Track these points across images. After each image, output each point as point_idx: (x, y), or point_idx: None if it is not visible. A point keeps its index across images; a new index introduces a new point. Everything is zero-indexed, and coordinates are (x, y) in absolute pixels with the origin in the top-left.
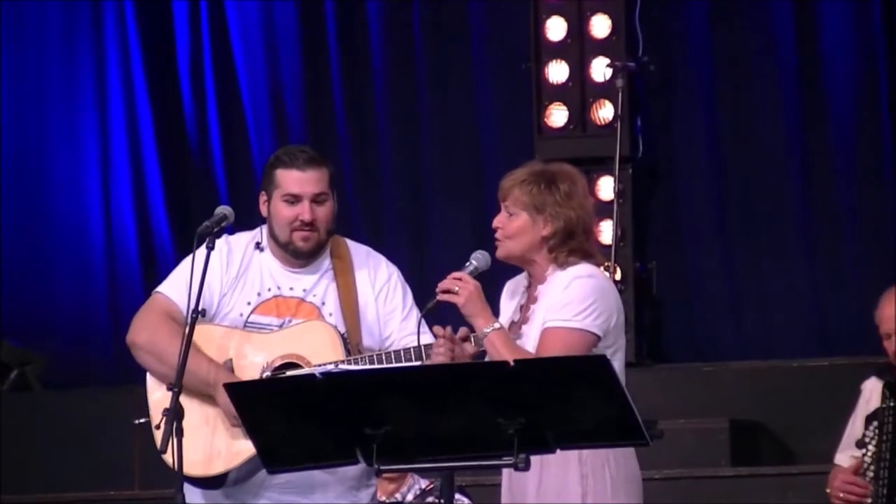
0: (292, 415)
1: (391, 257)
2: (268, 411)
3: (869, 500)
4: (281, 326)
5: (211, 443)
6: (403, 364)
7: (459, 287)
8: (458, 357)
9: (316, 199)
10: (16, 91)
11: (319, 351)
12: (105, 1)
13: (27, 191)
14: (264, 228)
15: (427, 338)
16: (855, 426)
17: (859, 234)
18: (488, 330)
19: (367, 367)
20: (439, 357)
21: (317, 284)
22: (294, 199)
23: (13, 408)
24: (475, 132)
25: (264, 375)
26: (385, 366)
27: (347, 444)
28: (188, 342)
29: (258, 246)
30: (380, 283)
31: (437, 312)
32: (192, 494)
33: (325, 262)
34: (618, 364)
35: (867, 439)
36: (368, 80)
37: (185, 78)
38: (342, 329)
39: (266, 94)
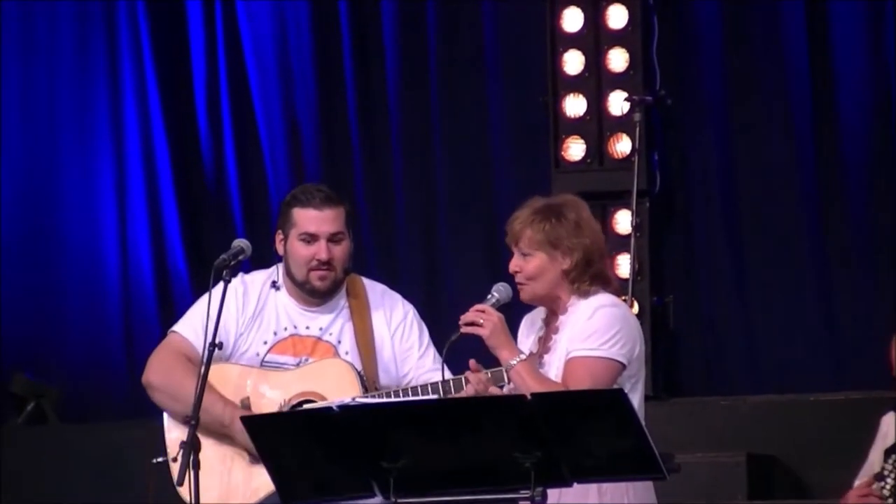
0: (309, 448)
1: (406, 291)
2: (285, 444)
3: None
4: (297, 365)
5: (228, 481)
6: (419, 397)
7: (483, 319)
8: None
9: (332, 239)
10: (29, 121)
11: (337, 388)
12: (120, 29)
13: (42, 222)
14: (280, 267)
15: (448, 373)
16: (873, 459)
17: (875, 268)
18: (514, 361)
19: (384, 400)
20: (471, 389)
21: (333, 323)
22: (311, 238)
23: (29, 440)
24: (492, 166)
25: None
26: (402, 399)
27: (364, 478)
28: (205, 373)
29: (274, 285)
30: (396, 322)
31: (457, 345)
32: None
33: (342, 301)
34: (638, 395)
35: (886, 472)
36: (384, 113)
37: (201, 108)
38: (359, 367)
39: (282, 126)
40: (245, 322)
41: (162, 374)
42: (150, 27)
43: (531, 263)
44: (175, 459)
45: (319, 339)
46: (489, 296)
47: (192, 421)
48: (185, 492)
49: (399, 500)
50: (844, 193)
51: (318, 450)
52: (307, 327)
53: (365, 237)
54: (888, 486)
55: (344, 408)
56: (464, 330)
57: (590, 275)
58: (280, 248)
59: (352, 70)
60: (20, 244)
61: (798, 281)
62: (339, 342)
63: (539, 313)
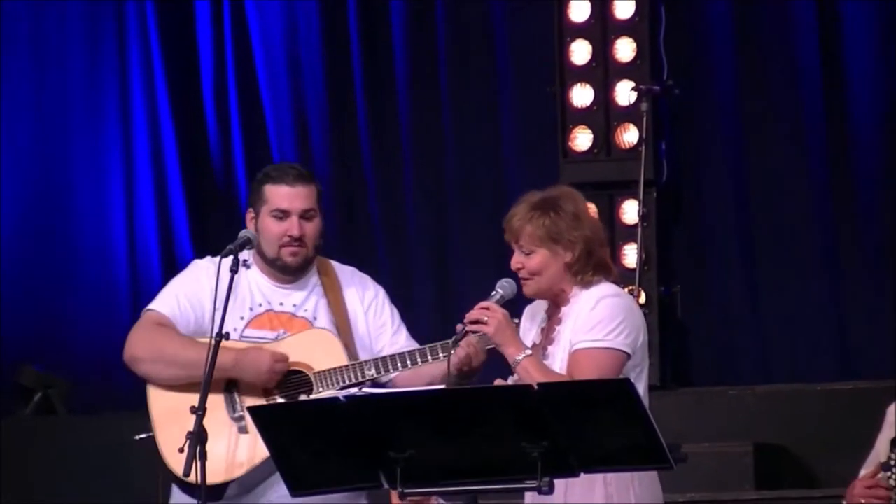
0: (316, 438)
1: (416, 281)
2: (292, 435)
3: None
4: (276, 339)
5: (215, 451)
6: (427, 388)
7: (488, 317)
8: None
9: (304, 215)
10: (40, 118)
11: (323, 358)
12: (129, 28)
13: (51, 216)
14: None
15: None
16: (879, 448)
17: (883, 258)
18: (520, 357)
19: (391, 391)
20: (462, 351)
21: (307, 300)
22: (283, 215)
23: (37, 432)
24: (500, 156)
25: None
26: (408, 389)
27: (371, 468)
28: (212, 364)
29: (245, 263)
30: (368, 299)
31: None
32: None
33: (314, 278)
34: (642, 384)
35: (892, 462)
36: (393, 106)
37: (209, 102)
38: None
39: (290, 119)
40: (220, 298)
41: (146, 344)
42: (158, 21)
43: (534, 260)
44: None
45: (294, 314)
46: (493, 292)
47: (199, 412)
48: (175, 464)
49: (406, 490)
50: (853, 182)
51: (324, 440)
52: (281, 304)
53: (375, 228)
54: (894, 477)
55: (351, 398)
56: (469, 328)
57: (592, 265)
58: (251, 226)
59: (360, 63)
60: (30, 237)
61: (806, 270)
62: (315, 318)
63: (541, 304)
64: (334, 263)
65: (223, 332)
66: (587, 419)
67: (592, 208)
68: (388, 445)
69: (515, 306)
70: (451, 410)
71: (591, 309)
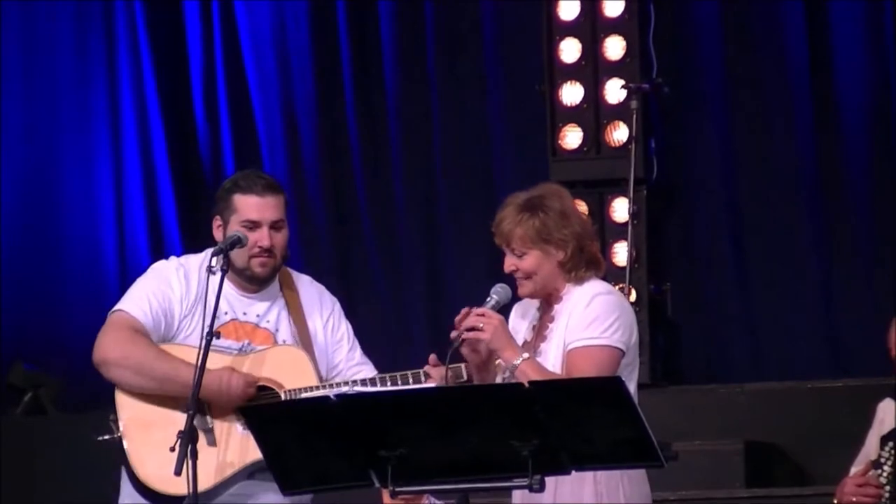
0: (307, 437)
1: (407, 281)
2: (282, 434)
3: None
4: (241, 349)
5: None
6: (418, 387)
7: (484, 323)
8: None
9: (274, 226)
10: (28, 112)
11: (293, 376)
12: (117, 22)
13: (40, 213)
14: (210, 252)
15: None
16: (869, 446)
17: (874, 256)
18: (518, 362)
19: (382, 389)
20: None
21: (269, 311)
22: (253, 226)
23: (27, 431)
24: (489, 154)
25: None
26: (400, 388)
27: (362, 467)
28: (203, 363)
29: (209, 269)
30: (326, 313)
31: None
32: None
33: (275, 288)
34: (633, 383)
35: (883, 460)
36: (382, 103)
37: (198, 98)
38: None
39: (279, 115)
40: (189, 304)
41: (119, 349)
42: (146, 16)
43: (527, 261)
44: (172, 449)
45: (257, 325)
46: (488, 298)
47: (190, 411)
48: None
49: (397, 489)
50: (844, 180)
51: (315, 439)
52: (245, 313)
53: (365, 229)
54: (885, 474)
55: (341, 397)
56: (465, 336)
57: (584, 260)
58: (218, 235)
59: (349, 60)
60: (19, 234)
61: (797, 268)
62: (277, 330)
63: (532, 302)
64: (293, 273)
65: (217, 332)
66: (578, 417)
67: (581, 205)
68: (379, 444)
69: (507, 311)
70: (443, 409)
71: (585, 306)
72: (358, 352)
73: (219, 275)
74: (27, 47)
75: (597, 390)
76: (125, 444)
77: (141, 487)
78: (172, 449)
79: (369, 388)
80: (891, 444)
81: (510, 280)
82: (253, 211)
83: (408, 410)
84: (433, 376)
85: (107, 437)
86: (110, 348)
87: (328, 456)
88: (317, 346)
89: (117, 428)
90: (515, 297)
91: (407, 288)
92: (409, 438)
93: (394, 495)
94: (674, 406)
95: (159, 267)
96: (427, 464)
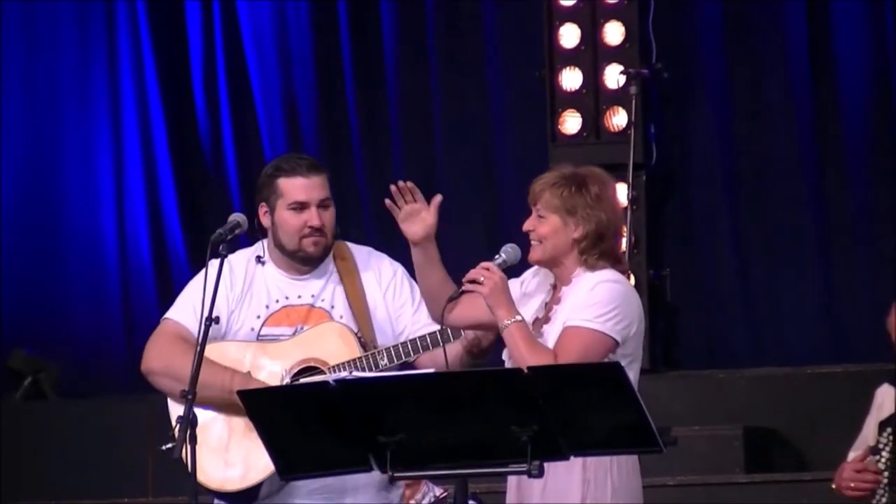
0: (306, 422)
1: (406, 266)
2: (281, 419)
3: (880, 491)
4: (294, 335)
5: (243, 455)
6: (417, 371)
7: (485, 277)
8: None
9: (321, 205)
10: (29, 101)
11: (336, 351)
12: (118, 10)
13: (41, 200)
14: (263, 242)
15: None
16: (867, 431)
17: (873, 241)
18: (509, 322)
19: (381, 374)
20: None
21: (324, 289)
22: (301, 207)
23: (27, 416)
24: (489, 140)
25: (284, 382)
26: (399, 373)
27: (361, 452)
28: (202, 347)
29: (259, 260)
30: (386, 281)
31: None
32: None
33: (330, 265)
34: (633, 374)
35: (881, 445)
36: (382, 88)
37: (198, 87)
38: (354, 329)
39: (280, 103)
40: (235, 299)
41: (162, 358)
42: (147, 7)
43: (544, 225)
44: (173, 436)
45: (312, 306)
46: (497, 255)
47: (189, 395)
48: (198, 472)
49: (396, 474)
50: (844, 165)
51: (314, 424)
52: (299, 296)
53: (364, 215)
54: (883, 459)
55: (340, 382)
56: (465, 287)
57: (599, 249)
58: (266, 221)
59: (349, 47)
60: (20, 222)
61: (796, 253)
62: (333, 307)
63: (549, 276)
64: (350, 245)
65: (215, 316)
66: (577, 403)
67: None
68: (378, 429)
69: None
70: (442, 394)
71: (589, 290)
72: (424, 313)
73: (261, 268)
74: (28, 35)
75: (596, 376)
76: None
77: (218, 494)
78: (173, 436)
79: (368, 374)
80: (889, 429)
81: (521, 243)
82: (300, 192)
83: (406, 395)
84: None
85: (169, 445)
86: (154, 358)
87: (327, 441)
88: (377, 316)
89: (175, 436)
90: (525, 262)
91: (406, 269)
92: (408, 423)
93: (393, 481)
94: (673, 391)
95: (213, 263)
96: (426, 449)
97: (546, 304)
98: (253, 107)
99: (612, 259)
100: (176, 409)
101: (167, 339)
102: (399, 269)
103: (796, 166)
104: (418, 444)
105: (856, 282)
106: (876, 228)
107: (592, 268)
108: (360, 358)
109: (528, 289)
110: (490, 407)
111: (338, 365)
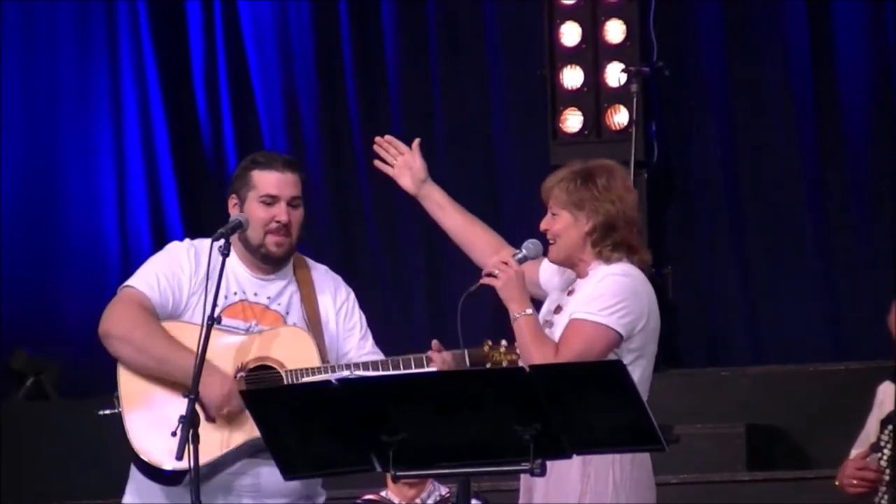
0: (308, 421)
1: (407, 264)
2: (284, 419)
3: (882, 488)
4: (247, 330)
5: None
6: (419, 371)
7: (500, 270)
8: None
9: (291, 203)
10: (29, 101)
11: (296, 356)
12: (119, 9)
13: (42, 200)
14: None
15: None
16: (869, 428)
17: (873, 239)
18: (519, 315)
19: (383, 374)
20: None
21: (282, 293)
22: (271, 201)
23: (29, 416)
24: (490, 138)
25: (238, 375)
26: (401, 373)
27: (363, 451)
28: (204, 349)
29: (222, 251)
30: (340, 301)
31: (479, 295)
32: (151, 492)
33: (290, 272)
34: (641, 370)
35: (882, 443)
36: (383, 87)
37: (199, 85)
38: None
39: (280, 101)
40: (197, 282)
41: (124, 325)
42: (148, 5)
43: (557, 223)
44: (174, 433)
45: (267, 307)
46: (518, 250)
47: (192, 395)
48: (139, 445)
49: (399, 473)
50: (844, 163)
51: (317, 423)
52: (255, 294)
53: (366, 213)
54: (885, 457)
55: (343, 381)
56: (482, 281)
57: (612, 241)
58: (234, 213)
59: (350, 46)
60: (20, 220)
61: (797, 251)
62: (288, 313)
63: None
64: (308, 260)
65: (219, 316)
66: (580, 401)
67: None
68: (380, 428)
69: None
70: (444, 393)
71: (597, 282)
72: (369, 342)
73: (232, 256)
74: (28, 32)
75: (598, 374)
76: (124, 416)
77: (139, 462)
78: (174, 433)
79: (371, 373)
80: (890, 427)
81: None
82: (272, 186)
83: (409, 395)
84: (435, 361)
85: (108, 411)
86: (115, 323)
87: (329, 440)
88: (327, 333)
89: (119, 403)
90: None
91: (407, 270)
92: (411, 423)
93: (395, 479)
94: (675, 389)
95: (171, 246)
96: (428, 448)
97: (569, 292)
98: (254, 105)
99: (626, 249)
100: (125, 375)
101: (132, 307)
102: (352, 293)
103: (797, 164)
104: (421, 444)
105: (857, 280)
106: (876, 226)
107: (608, 260)
108: (318, 367)
109: (564, 276)
110: (492, 406)
111: (295, 370)
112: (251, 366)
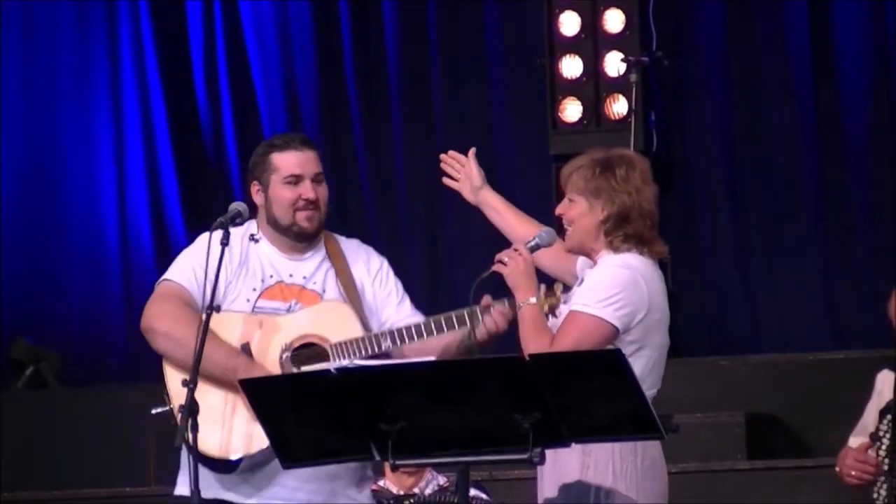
0: (307, 410)
1: (406, 247)
2: (283, 407)
3: (881, 478)
4: (288, 310)
5: (230, 426)
6: (418, 360)
7: (510, 258)
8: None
9: (315, 179)
10: (29, 89)
11: (338, 329)
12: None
13: (42, 189)
14: (253, 222)
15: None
16: (868, 416)
17: (873, 228)
18: (523, 304)
19: (383, 362)
20: (490, 321)
21: (316, 272)
22: (296, 180)
23: (29, 404)
24: (490, 127)
25: (283, 356)
26: (400, 361)
27: (363, 440)
28: (203, 336)
29: (252, 238)
30: (374, 269)
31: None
32: (205, 480)
33: (322, 249)
34: (644, 361)
35: (881, 433)
36: (383, 76)
37: (199, 74)
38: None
39: (280, 89)
40: (233, 270)
41: (166, 320)
42: None
43: (573, 209)
44: (175, 424)
45: (304, 287)
46: (531, 238)
47: (191, 384)
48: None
49: (398, 462)
50: (844, 152)
51: (316, 412)
52: (290, 275)
53: (365, 198)
54: (883, 446)
55: (342, 371)
56: (493, 268)
57: (624, 232)
58: (258, 199)
59: (350, 36)
60: (20, 210)
61: (797, 240)
62: (325, 291)
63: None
64: (338, 236)
65: (217, 304)
66: (579, 390)
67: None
68: (379, 417)
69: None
70: (443, 382)
71: (597, 274)
72: (407, 305)
73: (255, 245)
74: (27, 23)
75: (597, 363)
76: (175, 410)
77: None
78: (175, 424)
79: (370, 362)
80: (889, 416)
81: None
82: (294, 166)
83: (408, 384)
84: (492, 311)
85: (160, 409)
86: (158, 318)
87: (329, 429)
88: (365, 303)
89: (169, 400)
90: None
91: (407, 258)
92: (410, 411)
93: (395, 468)
94: (675, 378)
95: (203, 238)
96: (427, 437)
97: (579, 283)
98: (253, 95)
99: (638, 242)
100: (172, 372)
101: (172, 301)
102: (385, 261)
103: (796, 152)
104: (420, 432)
105: (856, 268)
106: (876, 214)
107: (617, 250)
108: (361, 338)
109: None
110: (491, 394)
111: (339, 343)
112: (296, 345)
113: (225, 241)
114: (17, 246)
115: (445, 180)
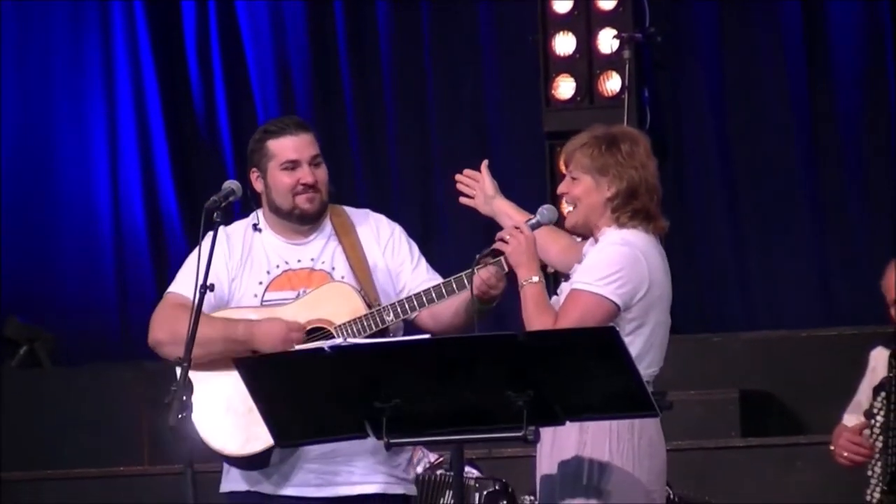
0: (301, 389)
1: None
2: (277, 386)
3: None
4: (297, 298)
5: (246, 423)
6: (412, 338)
7: (512, 236)
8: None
9: (313, 162)
10: (22, 70)
11: (341, 310)
12: None
13: (35, 169)
14: (258, 212)
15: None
16: (861, 393)
17: (866, 206)
18: (525, 282)
19: (376, 340)
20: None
21: (323, 251)
22: (293, 165)
23: (22, 384)
24: (483, 105)
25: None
26: (394, 339)
27: (357, 418)
28: (197, 313)
29: (255, 227)
30: (384, 238)
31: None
32: (231, 478)
33: (327, 227)
34: (644, 339)
35: (875, 410)
36: (376, 54)
37: (192, 56)
38: (356, 287)
39: (273, 70)
40: (234, 267)
41: (167, 328)
42: None
43: (577, 187)
44: (168, 403)
45: (312, 269)
46: (532, 215)
47: (184, 363)
48: (195, 432)
49: (392, 440)
50: (838, 129)
51: (310, 391)
52: (298, 260)
53: (358, 178)
54: (877, 424)
55: (336, 349)
56: (495, 246)
57: (632, 208)
58: (258, 186)
59: (343, 16)
60: (14, 190)
61: (791, 217)
62: (334, 268)
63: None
64: (347, 208)
65: (211, 283)
66: (572, 368)
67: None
68: (373, 395)
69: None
70: (437, 360)
71: (598, 251)
72: (422, 269)
73: (258, 235)
74: (20, 4)
75: (591, 341)
76: (196, 419)
77: (226, 458)
78: (168, 403)
79: (364, 340)
80: (882, 394)
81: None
82: (291, 151)
83: (402, 362)
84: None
85: (180, 415)
86: (158, 329)
87: (323, 408)
88: (378, 274)
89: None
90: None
91: None
92: (404, 390)
93: (388, 448)
94: (668, 355)
95: (206, 238)
96: (421, 415)
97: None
98: (247, 76)
99: (644, 217)
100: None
101: (172, 309)
102: (397, 227)
103: (790, 131)
104: (414, 411)
105: (849, 245)
106: (869, 192)
107: (622, 226)
108: (365, 316)
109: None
110: (485, 373)
111: (344, 324)
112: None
113: (219, 220)
114: (10, 226)
115: (463, 200)
